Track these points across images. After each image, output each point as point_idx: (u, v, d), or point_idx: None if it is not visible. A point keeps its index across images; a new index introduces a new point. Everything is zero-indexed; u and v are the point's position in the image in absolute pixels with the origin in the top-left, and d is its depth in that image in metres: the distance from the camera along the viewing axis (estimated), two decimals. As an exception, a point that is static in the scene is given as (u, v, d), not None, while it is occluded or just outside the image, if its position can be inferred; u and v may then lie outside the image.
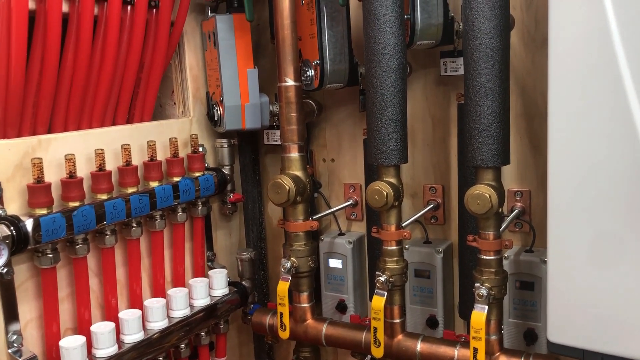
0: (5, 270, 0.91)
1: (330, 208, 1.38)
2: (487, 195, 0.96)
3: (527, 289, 1.15)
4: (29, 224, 0.92)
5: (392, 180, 1.08)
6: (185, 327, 1.20)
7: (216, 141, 1.37)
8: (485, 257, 1.03)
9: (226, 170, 1.36)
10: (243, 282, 1.39)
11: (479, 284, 1.01)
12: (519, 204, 1.20)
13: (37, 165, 0.96)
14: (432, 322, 1.26)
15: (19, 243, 0.91)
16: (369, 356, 1.19)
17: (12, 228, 0.91)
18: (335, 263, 1.36)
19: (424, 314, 1.27)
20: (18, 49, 0.94)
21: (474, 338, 0.99)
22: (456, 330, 1.30)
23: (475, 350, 1.00)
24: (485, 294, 1.00)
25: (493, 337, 1.04)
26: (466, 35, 0.96)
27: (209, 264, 1.37)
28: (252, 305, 1.40)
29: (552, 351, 0.91)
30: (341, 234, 1.39)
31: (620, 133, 0.81)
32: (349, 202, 1.38)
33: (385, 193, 1.05)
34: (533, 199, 1.20)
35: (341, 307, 1.36)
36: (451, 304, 1.30)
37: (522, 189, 1.20)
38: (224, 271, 1.31)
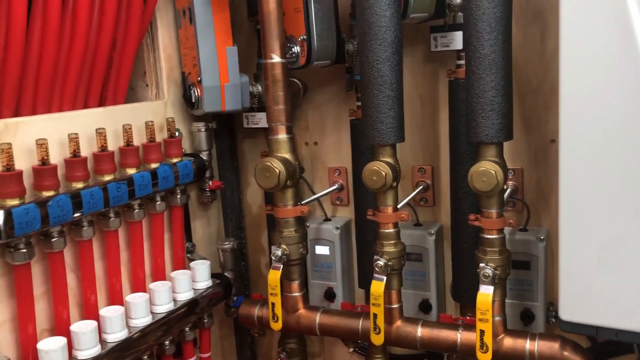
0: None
1: (313, 193, 1.33)
2: (493, 172, 0.93)
3: (523, 268, 1.13)
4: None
5: (390, 160, 1.03)
6: (169, 323, 1.12)
7: (192, 125, 1.29)
8: (488, 236, 0.99)
9: (204, 156, 1.28)
10: (225, 274, 1.32)
11: (483, 264, 0.98)
12: (511, 182, 1.18)
13: (6, 151, 0.87)
14: (425, 306, 1.23)
15: (-11, 238, 0.82)
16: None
17: (-20, 221, 0.82)
18: (322, 250, 1.31)
19: (417, 298, 1.24)
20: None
21: (480, 320, 0.96)
22: (448, 313, 1.27)
23: (482, 332, 0.96)
24: (491, 274, 0.96)
25: (497, 319, 1.01)
26: (468, 4, 0.92)
27: (189, 255, 1.30)
28: (235, 297, 1.33)
29: (564, 330, 0.89)
30: (327, 219, 1.34)
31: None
32: (335, 187, 1.33)
33: (384, 173, 1.00)
34: (525, 177, 1.18)
35: (329, 294, 1.31)
36: (443, 287, 1.27)
37: (514, 167, 1.17)
38: (207, 262, 1.24)
